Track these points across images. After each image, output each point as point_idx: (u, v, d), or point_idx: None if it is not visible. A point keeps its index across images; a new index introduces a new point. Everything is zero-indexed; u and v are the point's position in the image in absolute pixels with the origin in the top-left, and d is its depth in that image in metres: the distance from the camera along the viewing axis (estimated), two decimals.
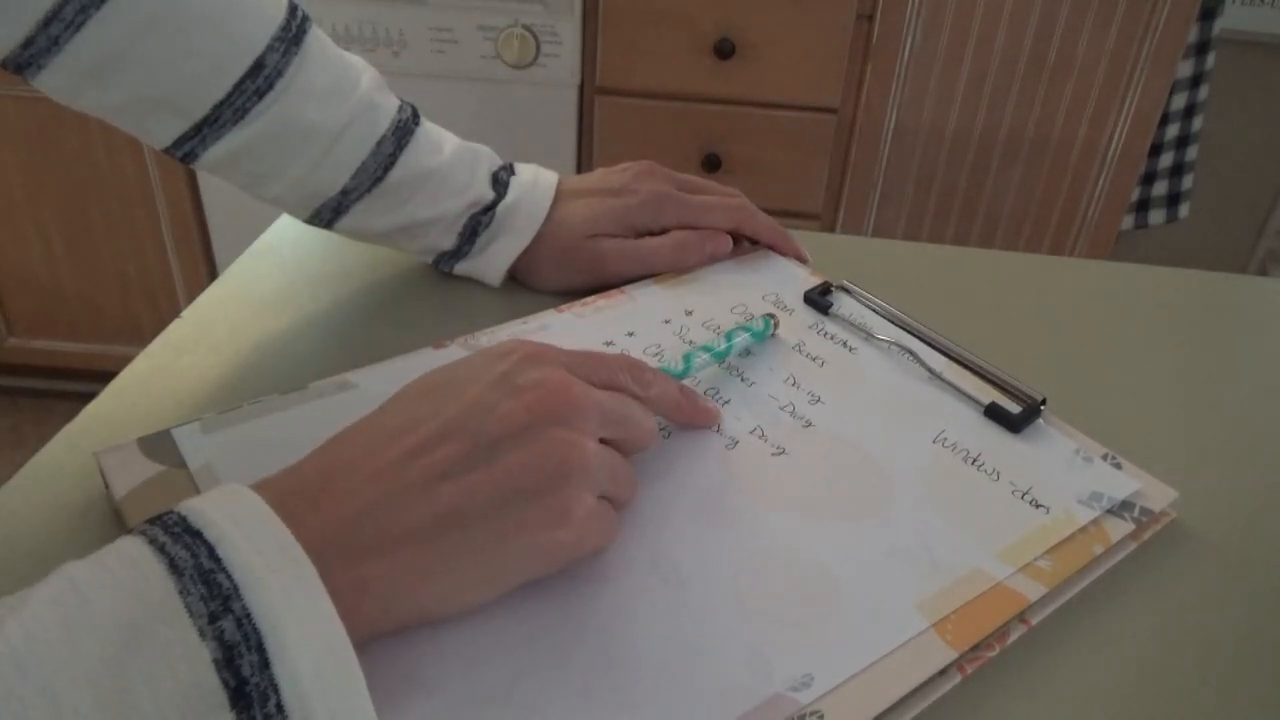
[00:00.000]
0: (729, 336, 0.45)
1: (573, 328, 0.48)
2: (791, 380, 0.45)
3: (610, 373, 0.36)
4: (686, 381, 0.42)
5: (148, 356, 0.46)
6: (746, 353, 0.46)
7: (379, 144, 0.48)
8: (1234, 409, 0.48)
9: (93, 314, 1.64)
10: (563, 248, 0.52)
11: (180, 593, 0.24)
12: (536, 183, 0.53)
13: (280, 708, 0.24)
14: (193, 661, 0.23)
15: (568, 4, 1.28)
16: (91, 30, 0.40)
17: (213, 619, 0.24)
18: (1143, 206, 1.59)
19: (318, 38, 0.46)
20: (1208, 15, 1.42)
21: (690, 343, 0.47)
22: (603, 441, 0.34)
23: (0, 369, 1.78)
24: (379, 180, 0.48)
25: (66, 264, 1.59)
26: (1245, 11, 1.62)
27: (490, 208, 0.52)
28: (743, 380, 0.45)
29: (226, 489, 0.27)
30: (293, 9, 0.45)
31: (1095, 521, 0.38)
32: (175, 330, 0.48)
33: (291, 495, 0.29)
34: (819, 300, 0.50)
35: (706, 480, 0.39)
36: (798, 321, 0.49)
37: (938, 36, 1.30)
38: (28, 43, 0.40)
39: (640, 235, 0.54)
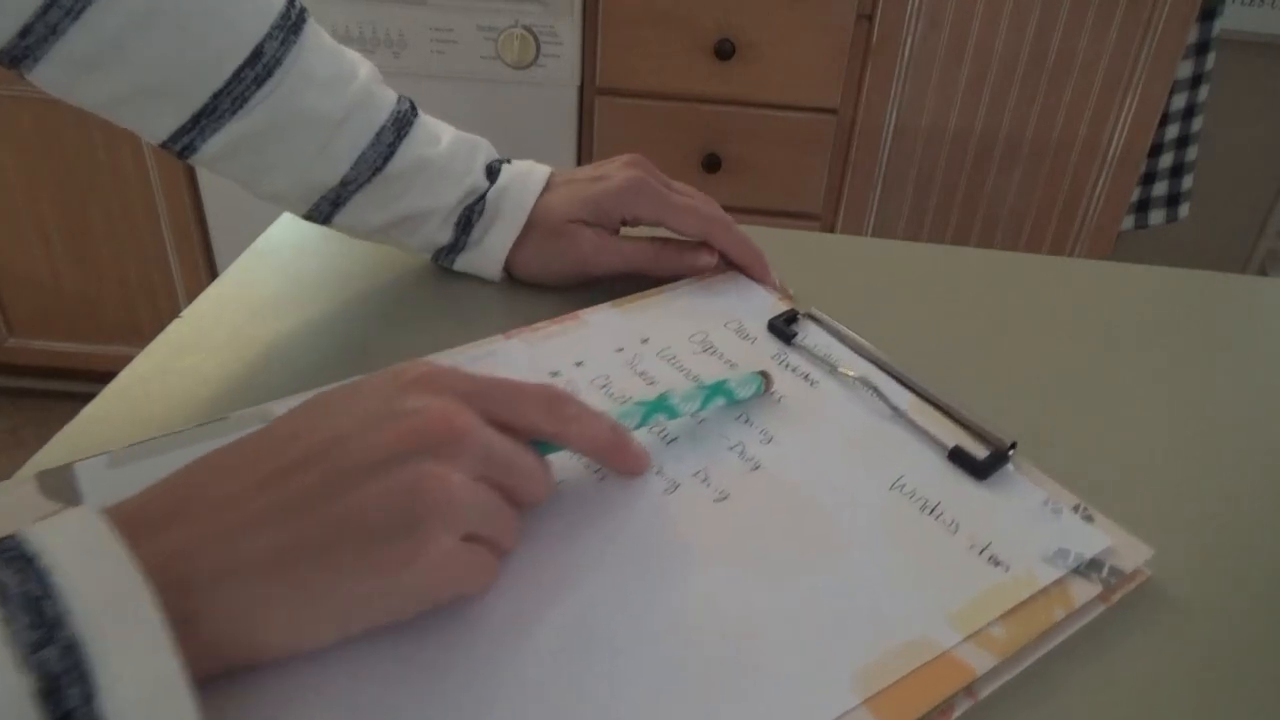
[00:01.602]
0: (706, 397, 0.40)
1: (518, 356, 0.45)
2: (745, 417, 0.42)
3: (518, 408, 0.32)
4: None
5: (148, 356, 0.46)
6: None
7: (379, 134, 0.48)
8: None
9: (93, 314, 1.64)
10: (546, 233, 0.52)
11: (4, 620, 0.23)
12: (529, 172, 0.53)
13: None
14: (10, 694, 0.22)
15: (568, 4, 1.28)
16: (91, 17, 0.40)
17: (36, 648, 0.23)
18: (1143, 207, 1.59)
19: (315, 29, 0.46)
20: (1208, 15, 1.42)
21: (642, 374, 0.44)
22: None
23: (0, 369, 1.78)
24: (379, 170, 0.49)
25: (66, 264, 1.59)
26: (1245, 11, 1.62)
27: (483, 196, 0.52)
28: (692, 416, 0.42)
29: (72, 512, 0.26)
30: None
31: (1059, 583, 0.35)
32: (175, 330, 0.48)
33: (138, 519, 0.28)
34: (783, 329, 0.48)
35: (639, 530, 0.36)
36: (759, 352, 0.47)
37: (938, 37, 1.30)
38: (25, 31, 0.39)
39: (621, 224, 0.53)
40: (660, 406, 0.39)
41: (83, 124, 1.45)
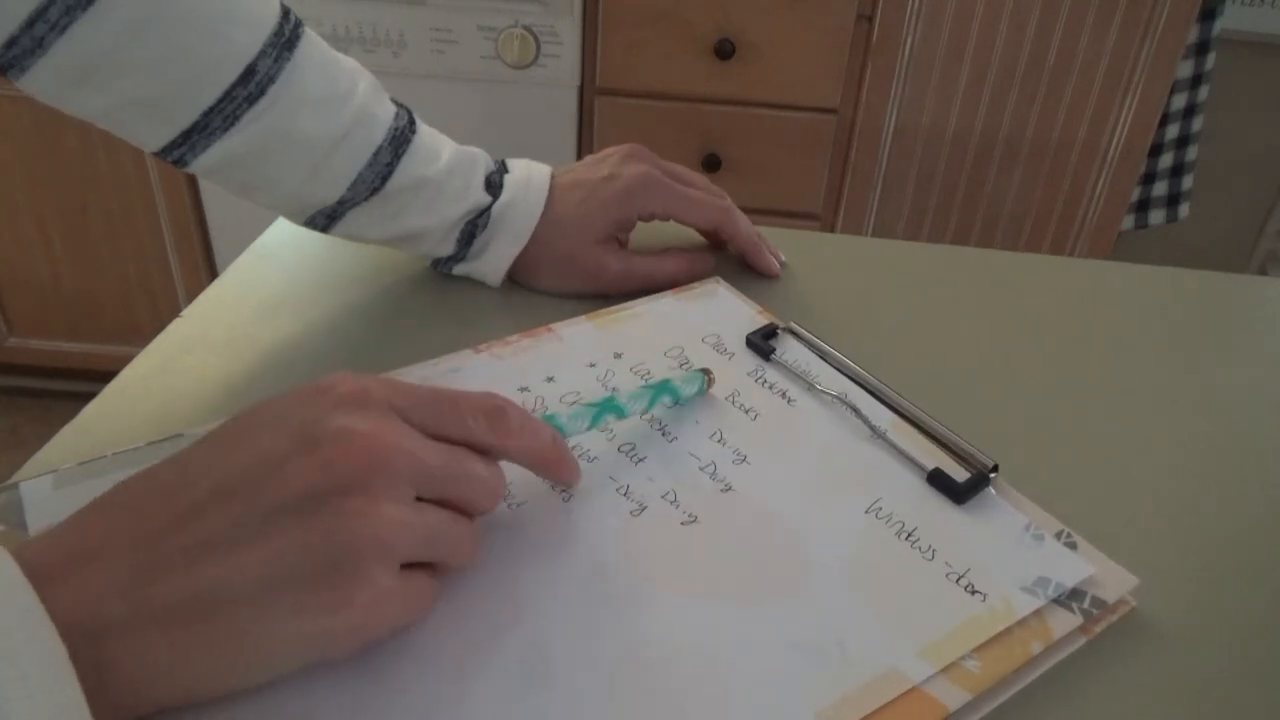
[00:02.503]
0: (653, 397, 0.40)
1: (487, 370, 0.44)
2: (718, 436, 0.41)
3: (458, 419, 0.31)
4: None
5: (148, 356, 0.46)
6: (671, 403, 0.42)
7: (376, 154, 0.47)
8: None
9: (93, 314, 1.64)
10: (564, 254, 0.52)
11: None
12: (530, 180, 0.52)
13: None
14: None
15: (568, 4, 1.28)
16: (78, 32, 0.39)
17: None
18: (1143, 207, 1.59)
19: (311, 42, 0.45)
20: (1208, 15, 1.42)
21: (614, 390, 0.43)
22: (429, 501, 0.30)
23: (0, 369, 1.78)
24: (376, 190, 0.48)
25: (66, 264, 1.59)
26: (1245, 11, 1.62)
27: (486, 210, 0.51)
28: (664, 435, 0.41)
29: None
30: (285, 13, 0.44)
31: (1037, 614, 0.34)
32: (175, 330, 0.48)
33: (50, 561, 0.26)
34: (761, 344, 0.47)
35: (602, 554, 0.34)
36: (736, 367, 0.46)
37: (938, 37, 1.30)
38: (11, 43, 0.39)
39: (634, 223, 0.54)
40: (609, 407, 0.38)
41: (83, 124, 1.44)
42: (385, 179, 0.48)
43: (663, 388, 0.41)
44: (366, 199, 0.48)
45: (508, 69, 1.33)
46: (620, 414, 0.39)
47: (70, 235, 1.56)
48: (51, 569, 0.26)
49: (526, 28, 1.30)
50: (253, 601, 0.26)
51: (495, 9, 1.29)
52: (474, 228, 0.51)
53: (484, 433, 0.31)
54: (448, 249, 0.52)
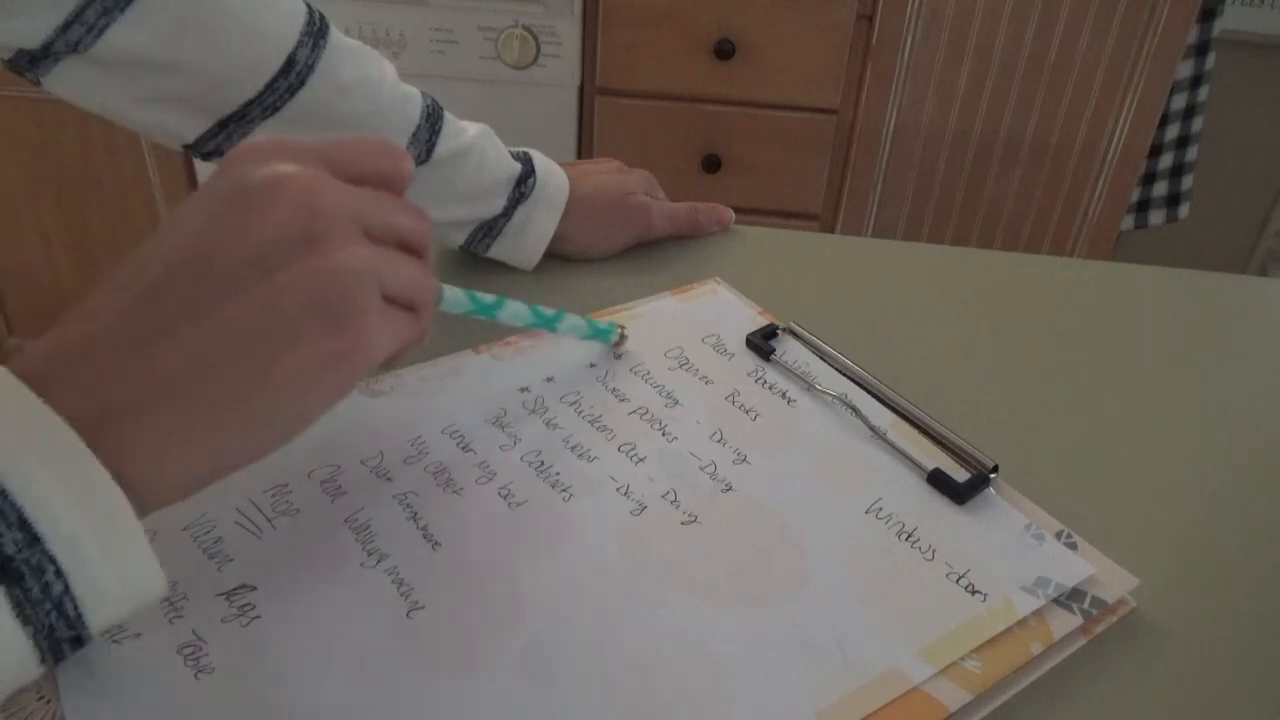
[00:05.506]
0: (559, 316, 0.41)
1: (488, 370, 0.44)
2: (718, 435, 0.41)
3: (366, 163, 0.31)
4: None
5: None
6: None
7: (415, 132, 0.48)
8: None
9: None
10: (606, 207, 0.56)
11: None
12: (545, 157, 0.56)
13: (60, 574, 0.24)
14: None
15: (568, 4, 1.28)
16: (115, 34, 0.39)
17: None
18: (1143, 207, 1.59)
19: (336, 32, 0.46)
20: (1208, 16, 1.42)
21: (614, 390, 0.43)
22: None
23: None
24: (421, 162, 0.49)
25: (66, 264, 1.59)
26: (1245, 12, 1.62)
27: (525, 177, 0.53)
28: (664, 435, 0.41)
29: None
30: (308, 3, 0.45)
31: (1038, 614, 0.34)
32: None
33: (36, 370, 0.26)
34: (761, 345, 0.47)
35: (603, 554, 0.35)
36: (736, 368, 0.46)
37: (938, 37, 1.30)
38: (47, 44, 0.39)
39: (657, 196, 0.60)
40: (509, 302, 0.38)
41: (83, 124, 1.45)
42: (430, 151, 0.49)
43: (568, 318, 0.42)
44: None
45: (508, 69, 1.33)
46: (536, 312, 0.40)
47: (70, 235, 1.56)
48: (40, 376, 0.26)
49: (526, 28, 1.30)
50: (245, 354, 0.26)
51: (495, 9, 1.29)
52: (520, 194, 0.52)
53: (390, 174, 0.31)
54: (497, 206, 0.52)
